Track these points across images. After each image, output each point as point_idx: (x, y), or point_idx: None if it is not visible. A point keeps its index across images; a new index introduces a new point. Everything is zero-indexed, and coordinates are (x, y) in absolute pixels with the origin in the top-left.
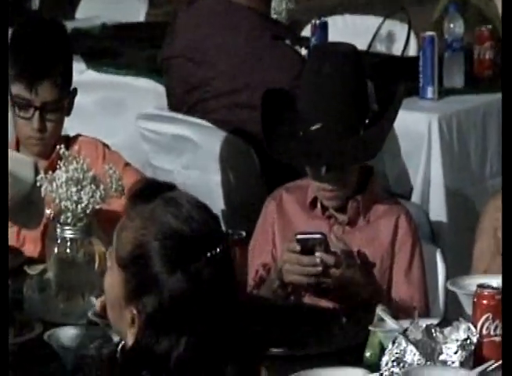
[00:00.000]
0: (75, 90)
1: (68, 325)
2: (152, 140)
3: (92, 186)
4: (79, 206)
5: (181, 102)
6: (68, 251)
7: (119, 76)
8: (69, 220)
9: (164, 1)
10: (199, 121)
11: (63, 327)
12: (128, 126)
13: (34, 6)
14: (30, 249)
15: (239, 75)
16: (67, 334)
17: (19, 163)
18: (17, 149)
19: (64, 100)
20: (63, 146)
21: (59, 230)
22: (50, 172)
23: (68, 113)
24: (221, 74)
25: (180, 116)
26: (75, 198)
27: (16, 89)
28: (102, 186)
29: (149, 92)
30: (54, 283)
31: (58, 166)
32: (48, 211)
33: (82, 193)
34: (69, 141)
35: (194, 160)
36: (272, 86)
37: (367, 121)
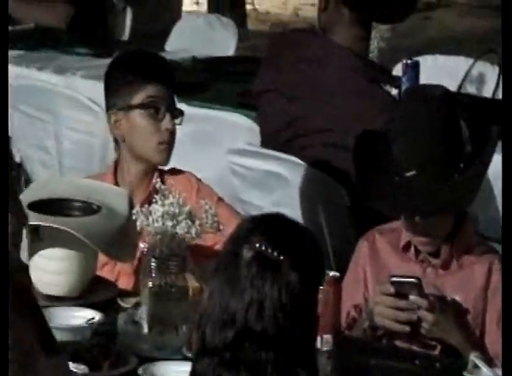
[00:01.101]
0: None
1: (162, 360)
2: (242, 175)
3: (188, 221)
4: (174, 241)
5: (273, 138)
6: (162, 284)
7: (210, 110)
8: (164, 254)
9: (251, 34)
10: (291, 158)
11: (158, 361)
12: (218, 160)
13: (124, 37)
14: (124, 282)
15: (332, 115)
16: (162, 368)
17: (115, 195)
18: (115, 176)
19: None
20: (159, 179)
21: (153, 264)
22: (146, 206)
23: None
24: (314, 112)
25: (272, 152)
26: (171, 233)
27: (149, 90)
28: (197, 222)
29: (239, 126)
30: (148, 317)
31: (154, 200)
32: (142, 245)
33: (178, 227)
34: (163, 174)
35: (284, 197)
36: (364, 128)
37: (462, 165)
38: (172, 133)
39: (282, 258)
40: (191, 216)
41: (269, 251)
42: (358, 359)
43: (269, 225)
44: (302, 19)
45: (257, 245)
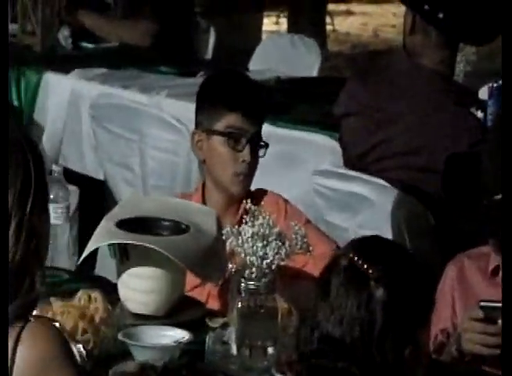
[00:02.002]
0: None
1: None
2: (327, 197)
3: (278, 242)
4: (264, 261)
5: (357, 159)
6: (251, 305)
7: (295, 131)
8: (253, 275)
9: (331, 55)
10: (376, 179)
11: None
12: (303, 181)
13: (207, 56)
14: (214, 305)
15: (418, 137)
16: None
17: (203, 214)
18: (203, 197)
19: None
20: (249, 200)
21: (243, 285)
22: (236, 226)
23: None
24: (400, 134)
25: (357, 174)
26: (261, 254)
27: (232, 119)
28: (287, 243)
29: (324, 147)
30: (236, 337)
31: (244, 221)
32: (230, 265)
33: (268, 248)
34: (252, 194)
35: (369, 219)
36: (451, 151)
37: None
38: (251, 165)
39: (371, 271)
40: (281, 237)
41: (360, 262)
42: None
43: (366, 241)
44: (382, 41)
45: (351, 255)
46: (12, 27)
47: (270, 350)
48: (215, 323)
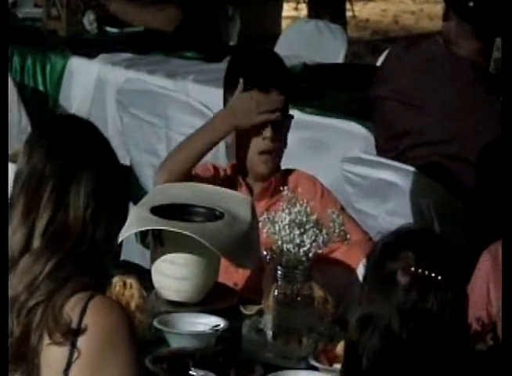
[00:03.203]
0: (290, 121)
1: (287, 369)
2: (357, 184)
3: (315, 229)
4: (301, 249)
5: (389, 146)
6: (288, 293)
7: (324, 117)
8: (290, 263)
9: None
10: (406, 166)
11: (284, 370)
12: (332, 168)
13: (232, 42)
14: (245, 289)
15: (450, 126)
16: None
17: (237, 201)
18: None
19: (286, 121)
20: (286, 187)
21: (279, 272)
22: (273, 213)
23: (285, 145)
24: (432, 122)
25: (387, 161)
26: (297, 241)
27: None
28: (324, 231)
29: (353, 134)
30: (272, 325)
31: (281, 208)
32: (265, 252)
33: (305, 236)
34: (286, 175)
35: (399, 206)
36: (483, 141)
37: None
38: (274, 142)
39: (439, 278)
40: (318, 225)
41: (426, 273)
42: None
43: (419, 243)
44: (401, 27)
45: (413, 269)
46: (37, 12)
47: (306, 338)
48: (250, 310)
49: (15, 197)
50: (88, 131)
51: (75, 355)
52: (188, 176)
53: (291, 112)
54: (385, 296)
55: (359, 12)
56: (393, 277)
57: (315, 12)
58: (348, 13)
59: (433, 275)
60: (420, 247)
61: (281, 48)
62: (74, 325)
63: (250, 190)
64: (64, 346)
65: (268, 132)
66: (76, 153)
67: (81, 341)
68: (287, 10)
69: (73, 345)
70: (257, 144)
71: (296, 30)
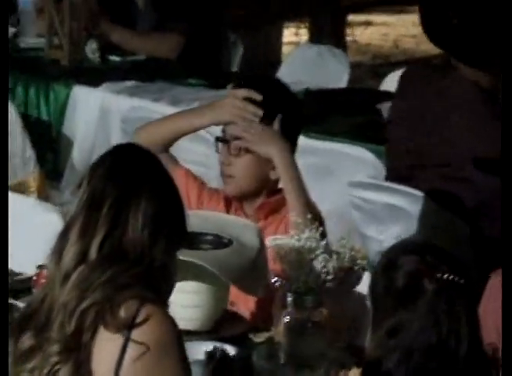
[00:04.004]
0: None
1: None
2: (362, 208)
3: (325, 255)
4: (311, 275)
5: (396, 169)
6: (298, 319)
7: (328, 142)
8: (300, 289)
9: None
10: (412, 190)
11: None
12: (338, 193)
13: (234, 67)
14: (255, 316)
15: (455, 148)
16: None
17: (245, 228)
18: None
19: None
20: (294, 213)
21: (289, 299)
22: (281, 239)
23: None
24: (437, 144)
25: (392, 185)
26: (308, 267)
27: None
28: (334, 256)
29: (358, 159)
30: (283, 352)
31: (290, 234)
32: (274, 279)
33: (315, 262)
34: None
35: (405, 230)
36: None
37: None
38: (230, 166)
39: (462, 281)
40: (328, 250)
41: (450, 278)
42: None
43: (432, 249)
44: (402, 51)
45: (438, 275)
46: (40, 41)
47: (317, 365)
48: (260, 337)
49: (74, 217)
50: (147, 156)
51: (128, 350)
52: (160, 152)
53: None
54: (412, 304)
55: (360, 37)
56: (418, 285)
57: (315, 38)
58: (349, 38)
59: (456, 279)
60: (436, 252)
61: (284, 73)
62: (129, 322)
63: (228, 204)
64: (118, 341)
65: (220, 157)
66: (136, 176)
67: (135, 336)
68: (288, 36)
69: (127, 340)
70: (220, 168)
71: (298, 55)
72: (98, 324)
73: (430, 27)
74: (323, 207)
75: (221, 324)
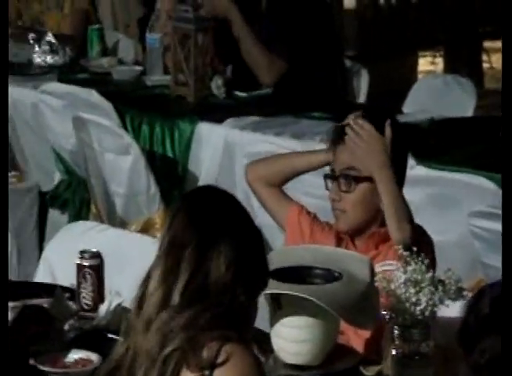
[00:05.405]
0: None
1: None
2: (484, 238)
3: (431, 287)
4: (417, 308)
5: None
6: (406, 352)
7: (449, 172)
8: (406, 322)
9: (488, 92)
10: None
11: None
12: (459, 223)
13: (360, 99)
14: (365, 350)
15: None
16: None
17: (355, 261)
18: None
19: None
20: (401, 246)
21: (396, 332)
22: (388, 273)
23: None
24: None
25: None
26: (413, 300)
27: None
28: (440, 288)
29: (480, 189)
30: None
31: (396, 266)
32: (384, 312)
33: (421, 294)
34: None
35: None
36: None
37: None
38: (338, 201)
39: None
40: (434, 282)
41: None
42: None
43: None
44: None
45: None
46: (165, 79)
47: None
48: (370, 371)
49: (155, 263)
50: (228, 200)
51: None
52: (273, 188)
53: (418, 168)
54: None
55: (496, 63)
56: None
57: (450, 65)
58: (485, 64)
59: None
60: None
61: (409, 104)
62: (211, 361)
63: (339, 238)
64: None
65: (329, 193)
66: (217, 219)
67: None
68: (424, 64)
69: None
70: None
71: (424, 85)
72: (181, 368)
73: None
74: (445, 238)
75: (331, 358)
